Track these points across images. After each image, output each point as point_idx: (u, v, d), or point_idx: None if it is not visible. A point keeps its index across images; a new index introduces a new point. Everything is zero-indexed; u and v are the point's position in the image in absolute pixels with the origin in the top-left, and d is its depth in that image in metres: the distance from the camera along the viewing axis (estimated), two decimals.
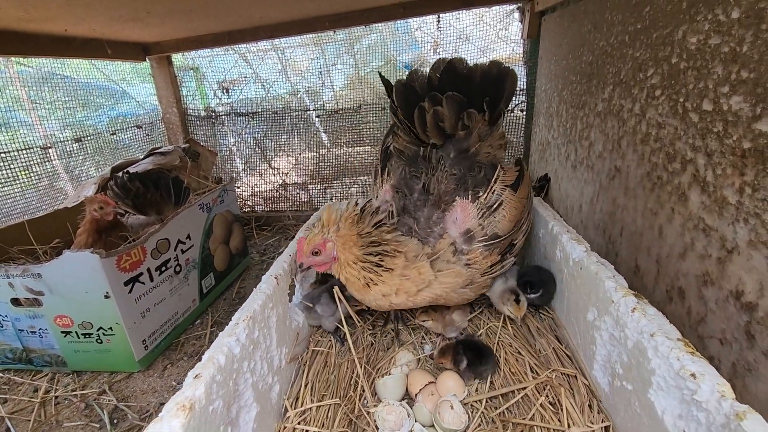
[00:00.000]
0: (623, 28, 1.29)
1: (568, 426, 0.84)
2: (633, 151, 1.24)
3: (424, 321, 1.15)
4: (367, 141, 2.95)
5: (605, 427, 0.85)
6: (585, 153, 1.62)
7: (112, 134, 2.63)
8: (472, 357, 1.06)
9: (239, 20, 2.29)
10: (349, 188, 3.07)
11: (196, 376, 0.64)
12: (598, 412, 0.88)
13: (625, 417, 0.79)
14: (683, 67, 0.99)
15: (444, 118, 1.23)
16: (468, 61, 1.34)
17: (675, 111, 1.02)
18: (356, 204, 1.17)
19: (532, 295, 1.22)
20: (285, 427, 0.91)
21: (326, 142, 3.01)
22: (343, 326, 1.14)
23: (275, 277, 1.00)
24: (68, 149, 2.42)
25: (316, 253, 1.08)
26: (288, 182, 3.08)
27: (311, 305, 1.17)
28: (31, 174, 2.24)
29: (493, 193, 1.14)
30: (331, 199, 3.03)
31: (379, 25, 2.76)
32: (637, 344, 0.72)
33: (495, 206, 1.12)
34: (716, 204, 0.88)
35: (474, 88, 1.29)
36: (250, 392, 0.79)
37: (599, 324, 0.88)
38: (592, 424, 0.85)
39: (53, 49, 2.08)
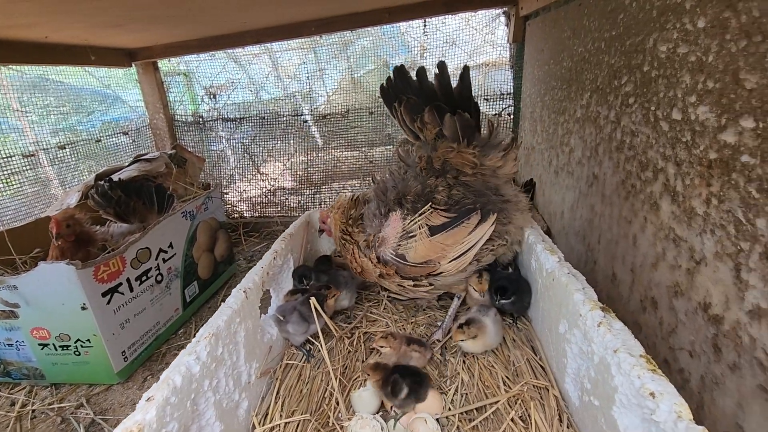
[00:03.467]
0: (600, 35, 1.28)
1: None
2: (609, 158, 1.23)
3: (381, 347, 1.14)
4: (356, 145, 2.94)
5: None
6: (566, 159, 1.61)
7: (97, 141, 2.61)
8: (411, 383, 1.02)
9: (224, 25, 2.28)
10: (338, 193, 3.06)
11: (149, 398, 0.63)
12: (568, 427, 0.87)
13: None
14: (654, 75, 0.98)
15: (406, 119, 1.30)
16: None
17: (647, 119, 1.01)
18: (352, 197, 1.45)
19: (503, 301, 1.21)
20: None
21: (320, 142, 2.99)
22: (319, 340, 1.13)
23: (244, 291, 0.99)
24: (59, 156, 2.40)
25: (324, 222, 1.51)
26: (277, 187, 3.07)
27: (282, 318, 1.15)
28: (23, 180, 2.22)
29: (413, 223, 1.22)
30: (320, 205, 3.02)
31: (371, 29, 2.76)
32: (603, 360, 0.71)
33: (411, 235, 1.23)
34: (685, 214, 0.87)
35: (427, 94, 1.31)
36: (212, 411, 0.78)
37: (570, 337, 0.87)
38: None
39: (35, 56, 2.07)
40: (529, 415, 0.90)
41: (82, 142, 2.54)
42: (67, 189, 2.38)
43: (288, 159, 3.04)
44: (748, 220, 0.70)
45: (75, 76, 2.64)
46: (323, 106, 2.95)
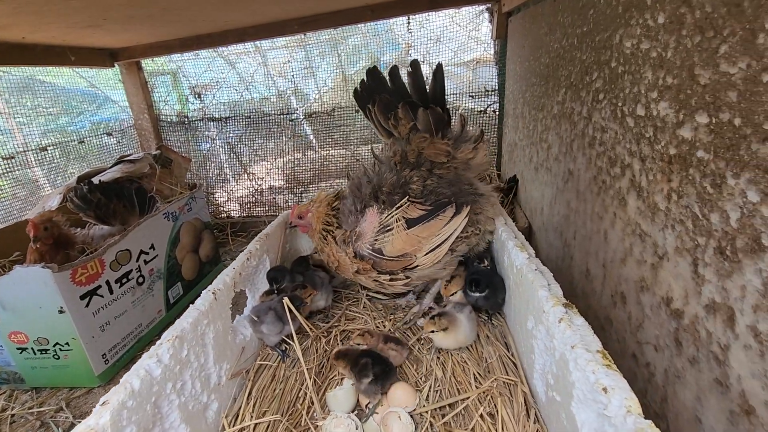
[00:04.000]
0: (572, 31, 1.28)
1: None
2: (582, 154, 1.23)
3: (358, 344, 1.15)
4: (344, 144, 2.93)
5: None
6: (545, 155, 1.62)
7: (80, 142, 2.59)
8: (379, 372, 1.05)
9: (205, 25, 2.26)
10: (328, 188, 3.06)
11: (103, 403, 0.62)
12: (534, 422, 0.88)
13: (557, 427, 0.78)
14: (621, 71, 0.98)
15: (380, 118, 1.31)
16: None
17: (615, 115, 1.02)
18: (335, 192, 1.46)
19: (476, 294, 1.22)
20: None
21: (314, 143, 2.98)
22: (293, 340, 1.13)
23: (213, 293, 0.98)
24: (42, 157, 2.38)
25: (301, 217, 1.46)
26: (264, 187, 3.06)
27: (257, 318, 1.15)
28: (12, 182, 2.21)
29: (390, 217, 1.24)
30: None
31: (361, 27, 2.74)
32: (563, 356, 0.71)
33: (388, 229, 1.24)
34: (650, 209, 0.88)
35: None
36: (177, 414, 0.77)
37: (536, 333, 0.87)
38: None
39: (14, 57, 2.04)
40: (497, 411, 0.91)
41: (65, 143, 2.52)
42: (48, 191, 2.36)
43: (275, 158, 3.03)
44: (703, 215, 0.70)
45: (64, 76, 2.62)
46: (314, 104, 2.94)
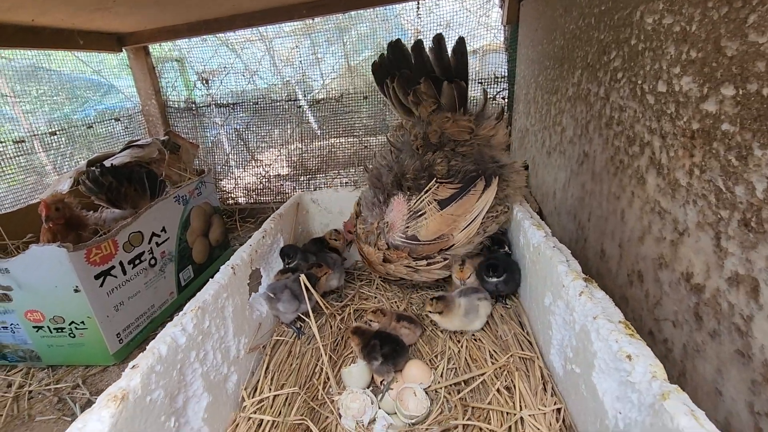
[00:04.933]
0: (590, 10, 1.27)
1: (521, 408, 0.85)
2: (599, 135, 1.23)
3: (371, 321, 1.15)
4: (352, 131, 2.92)
5: (557, 409, 0.85)
6: (558, 139, 1.61)
7: (89, 127, 2.59)
8: (389, 351, 1.05)
9: (213, 9, 2.25)
10: (333, 179, 3.05)
11: (133, 366, 0.63)
12: (552, 395, 0.89)
13: (576, 399, 0.79)
14: (641, 48, 0.97)
15: (399, 93, 1.28)
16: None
17: (634, 93, 1.01)
18: (355, 203, 1.45)
19: (494, 279, 1.21)
20: (241, 416, 0.91)
21: (318, 131, 2.97)
22: (309, 317, 1.14)
23: (232, 268, 0.99)
24: (50, 142, 2.39)
25: (350, 232, 1.50)
26: (272, 174, 3.06)
27: (273, 296, 1.16)
28: (18, 168, 2.22)
29: (420, 201, 1.22)
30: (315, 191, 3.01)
31: (368, 13, 2.72)
32: (583, 327, 0.72)
33: (419, 214, 1.22)
34: (670, 186, 0.87)
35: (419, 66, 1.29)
36: (200, 382, 0.79)
37: (554, 309, 0.88)
38: (545, 406, 0.85)
39: (21, 39, 2.04)
40: (514, 385, 0.92)
41: (73, 129, 2.52)
42: (59, 175, 2.37)
43: (283, 145, 3.02)
44: (727, 188, 0.70)
45: (69, 64, 2.62)
46: (320, 92, 2.93)
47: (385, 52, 1.30)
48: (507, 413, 0.86)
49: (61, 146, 2.47)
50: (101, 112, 2.83)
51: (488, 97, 1.28)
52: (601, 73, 1.20)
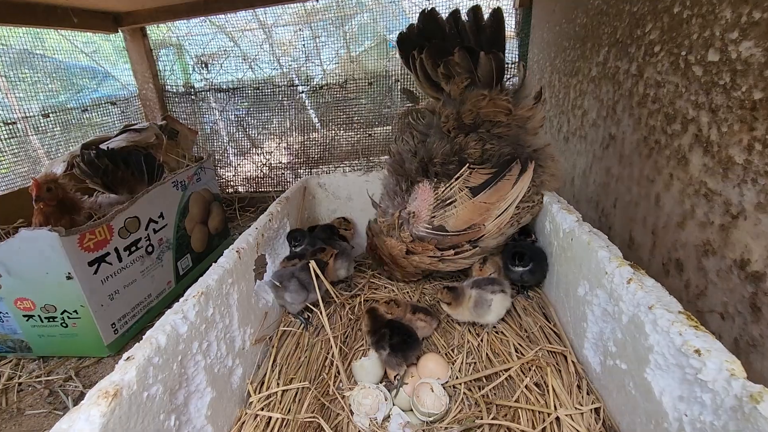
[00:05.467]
0: None
1: (555, 408, 0.78)
2: (629, 115, 1.15)
3: (384, 313, 1.08)
4: (356, 119, 2.83)
5: (595, 408, 0.78)
6: (578, 123, 1.53)
7: (84, 111, 2.49)
8: (398, 342, 0.97)
9: None
10: (336, 168, 2.97)
11: (128, 358, 0.56)
12: (588, 393, 0.81)
13: (618, 398, 0.72)
14: (686, 15, 0.89)
15: (427, 66, 1.16)
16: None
17: (676, 66, 0.93)
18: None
19: (520, 269, 1.13)
20: (247, 414, 0.83)
21: (316, 122, 2.88)
22: (319, 307, 1.06)
23: (237, 251, 0.91)
24: (42, 125, 2.29)
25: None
26: (272, 162, 2.97)
27: (280, 284, 1.08)
28: (10, 155, 2.13)
29: (450, 189, 1.13)
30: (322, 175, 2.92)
31: (370, 1, 2.62)
32: (634, 318, 0.64)
33: (449, 202, 1.13)
34: (720, 165, 0.80)
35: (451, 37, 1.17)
36: (203, 376, 0.71)
37: (591, 298, 0.80)
38: (581, 405, 0.78)
39: (14, 16, 1.94)
40: (545, 382, 0.84)
41: (67, 111, 2.42)
42: (52, 160, 2.28)
43: (284, 132, 2.93)
44: None
45: (63, 51, 2.52)
46: (318, 77, 2.83)
47: (416, 22, 1.19)
48: (539, 412, 0.79)
49: (56, 134, 2.38)
50: (97, 101, 2.73)
51: (526, 72, 1.17)
52: (634, 48, 1.11)
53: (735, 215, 0.76)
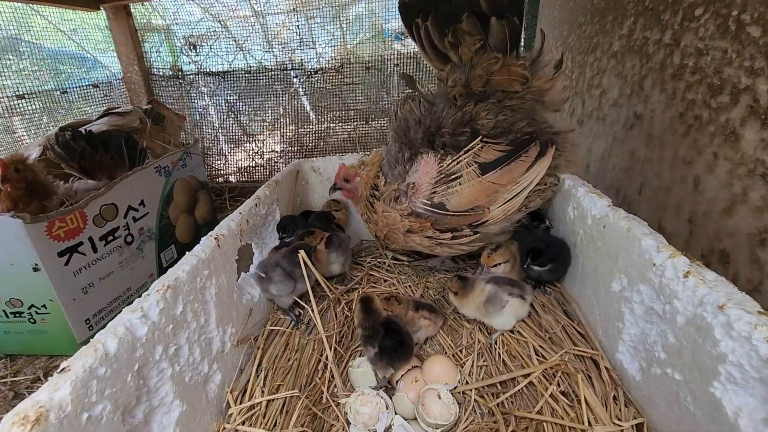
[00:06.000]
0: None
1: (590, 423, 0.66)
2: (660, 90, 1.03)
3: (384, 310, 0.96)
4: (352, 106, 2.70)
5: (637, 424, 0.66)
6: (595, 104, 1.41)
7: (63, 93, 2.34)
8: (389, 346, 0.86)
9: None
10: (331, 155, 2.83)
11: (62, 369, 0.43)
12: (626, 405, 0.70)
13: (668, 414, 0.60)
14: None
15: (433, 36, 1.04)
16: None
17: (725, 29, 0.81)
18: (382, 154, 1.20)
19: (537, 268, 1.00)
20: (225, 428, 0.71)
21: (310, 111, 2.74)
22: (310, 300, 0.94)
23: (215, 238, 0.78)
24: (19, 107, 2.14)
25: (347, 180, 1.23)
26: (265, 150, 2.83)
27: (264, 275, 0.95)
28: None
29: (457, 162, 1.01)
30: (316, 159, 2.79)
31: None
32: (694, 320, 0.53)
33: (453, 178, 1.02)
34: None
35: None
36: (170, 386, 0.58)
37: (630, 295, 0.69)
38: (620, 420, 0.66)
39: None
40: (574, 391, 0.73)
41: (47, 92, 2.27)
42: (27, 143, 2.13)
43: (277, 119, 2.79)
44: None
45: (51, 38, 2.38)
46: (312, 61, 2.68)
47: None
48: (570, 428, 0.67)
49: (35, 118, 2.22)
50: (85, 88, 2.59)
51: (545, 39, 1.04)
52: (668, 14, 0.99)
53: None
